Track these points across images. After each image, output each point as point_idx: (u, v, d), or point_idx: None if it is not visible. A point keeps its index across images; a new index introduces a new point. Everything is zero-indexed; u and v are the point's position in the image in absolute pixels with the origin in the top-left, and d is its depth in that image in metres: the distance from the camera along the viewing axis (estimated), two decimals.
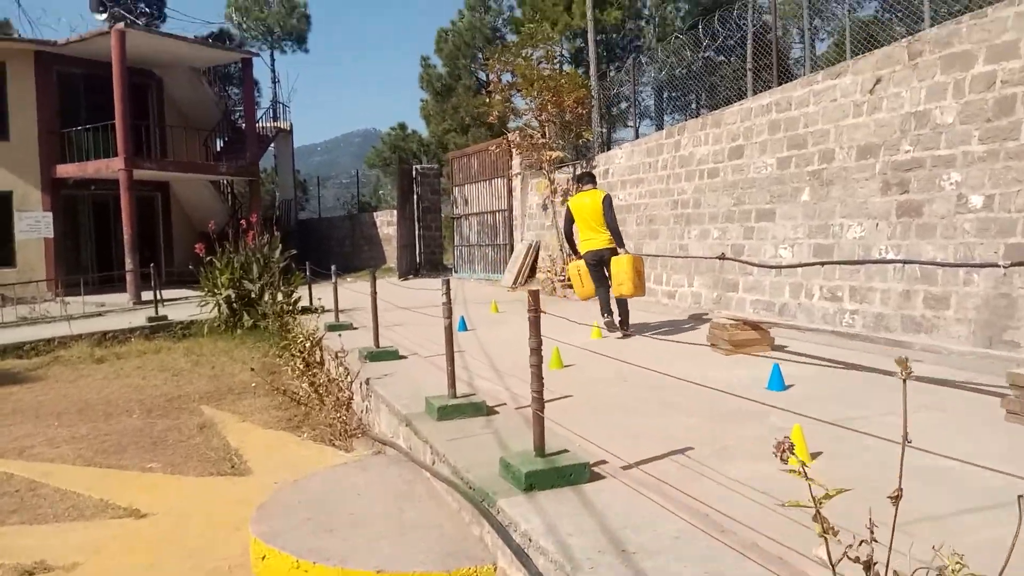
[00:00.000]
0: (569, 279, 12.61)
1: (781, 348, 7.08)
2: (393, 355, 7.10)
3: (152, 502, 4.82)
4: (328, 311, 11.58)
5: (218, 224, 15.15)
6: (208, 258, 11.97)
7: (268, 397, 7.91)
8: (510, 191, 16.13)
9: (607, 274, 8.22)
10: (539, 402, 3.54)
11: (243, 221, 12.11)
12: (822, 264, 7.89)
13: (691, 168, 10.31)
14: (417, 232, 20.65)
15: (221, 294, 11.98)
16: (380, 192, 38.44)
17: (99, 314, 16.43)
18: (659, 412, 4.91)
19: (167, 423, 7.07)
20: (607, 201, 8.26)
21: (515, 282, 14.57)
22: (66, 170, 19.65)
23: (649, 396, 5.36)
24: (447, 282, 4.80)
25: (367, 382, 6.11)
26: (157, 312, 12.93)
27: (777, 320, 8.14)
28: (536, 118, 12.78)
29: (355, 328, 9.75)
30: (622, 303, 8.27)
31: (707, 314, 9.30)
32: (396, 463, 4.70)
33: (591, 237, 8.34)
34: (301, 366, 6.65)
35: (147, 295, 17.41)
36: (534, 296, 3.53)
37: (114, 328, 12.28)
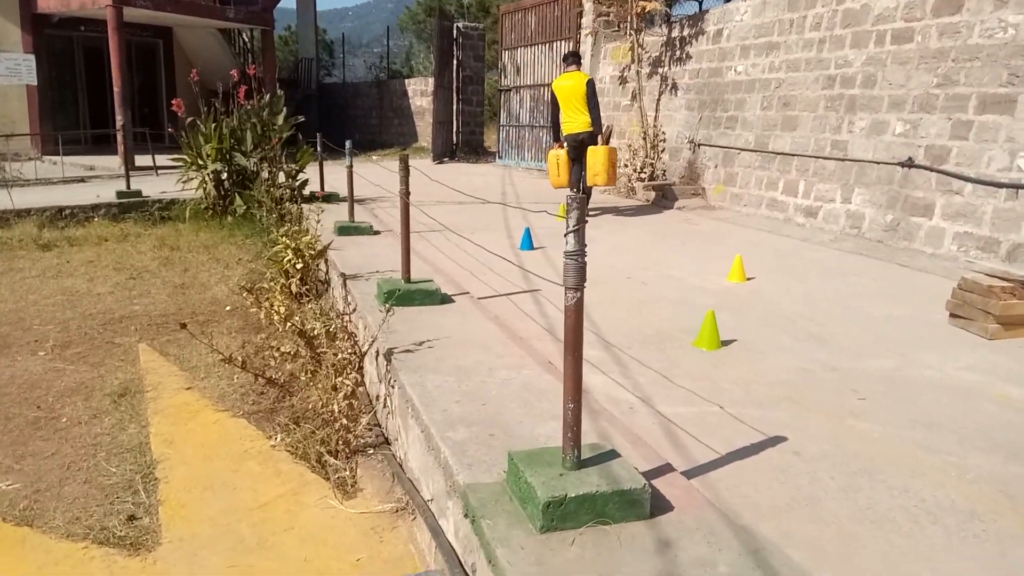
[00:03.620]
0: (648, 177, 9.78)
1: None
2: (432, 296, 4.43)
3: None
4: (343, 200, 8.88)
5: (223, 80, 12.26)
6: (189, 119, 9.17)
7: (241, 334, 5.36)
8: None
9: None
10: None
11: (233, 72, 9.20)
12: None
13: (863, 28, 7.18)
14: (456, 107, 17.55)
15: (207, 168, 9.26)
16: (412, 62, 34.65)
17: (82, 179, 13.95)
18: None
19: (79, 375, 4.55)
20: (591, 85, 8.31)
21: None
22: (47, 3, 16.55)
23: (968, 461, 2.67)
24: (578, 209, 2.04)
25: (389, 358, 3.47)
26: (129, 186, 10.26)
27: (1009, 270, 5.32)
28: None
29: (376, 233, 7.05)
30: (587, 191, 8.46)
31: (879, 242, 6.47)
32: None
33: (572, 119, 8.34)
34: (283, 310, 4.00)
35: (144, 159, 14.84)
36: None
37: (73, 204, 9.67)
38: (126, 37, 16.03)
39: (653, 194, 9.36)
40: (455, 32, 17.35)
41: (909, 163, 6.46)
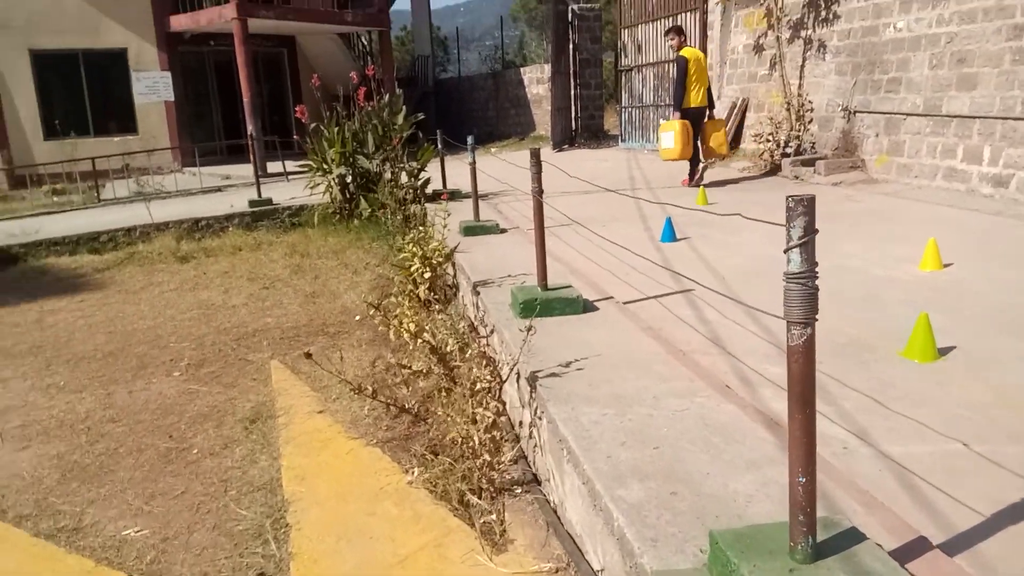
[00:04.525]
0: (795, 151, 8.85)
1: None
2: (574, 304, 3.94)
3: None
4: (466, 196, 8.56)
5: (344, 84, 12.31)
6: (313, 124, 9.12)
7: (371, 346, 5.09)
8: (704, 29, 12.06)
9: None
10: None
11: (353, 75, 9.06)
12: None
13: None
14: (574, 91, 16.95)
15: (332, 173, 9.19)
16: (525, 51, 34.27)
17: (219, 189, 14.48)
18: None
19: (211, 398, 4.40)
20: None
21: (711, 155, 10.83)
22: (179, 22, 17.33)
23: None
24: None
25: (532, 384, 3.02)
26: (260, 194, 10.41)
27: None
28: None
29: (502, 231, 6.66)
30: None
31: None
32: None
33: (700, 92, 8.61)
34: (412, 326, 3.65)
35: (276, 166, 15.29)
36: None
37: (209, 215, 9.88)
38: (252, 48, 16.52)
39: (803, 169, 8.47)
40: (570, 15, 16.74)
41: None
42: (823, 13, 9.02)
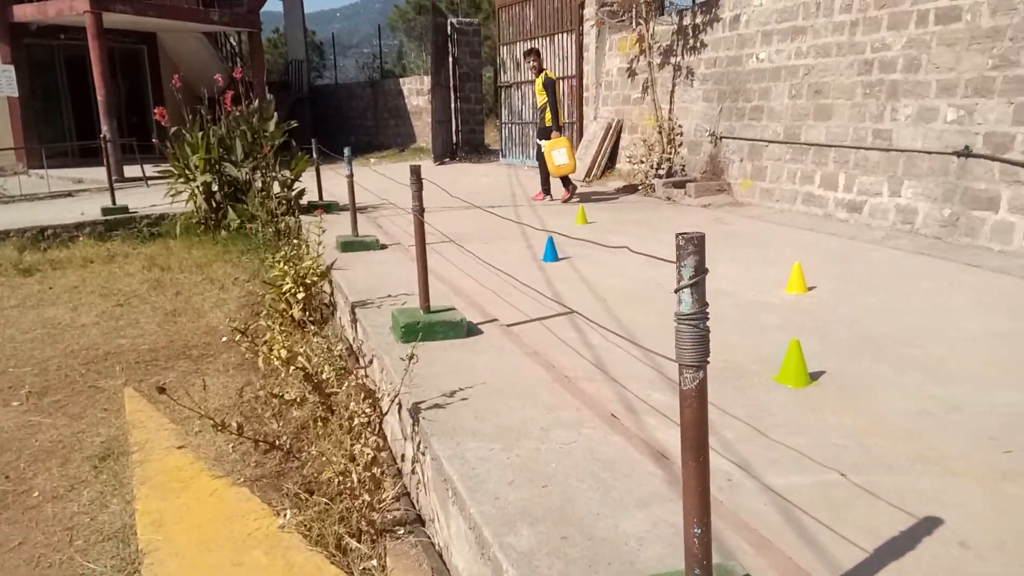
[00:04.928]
0: (667, 173, 9.17)
1: None
2: (458, 328, 3.83)
3: None
4: (343, 209, 8.30)
5: (209, 84, 11.64)
6: (175, 128, 8.55)
7: (239, 371, 4.78)
8: (580, 51, 12.31)
9: None
10: None
11: (218, 77, 8.58)
12: None
13: (901, 8, 6.59)
14: (454, 105, 16.90)
15: (196, 180, 8.65)
16: (404, 61, 33.91)
17: (69, 194, 13.37)
18: None
19: (56, 431, 3.97)
20: None
21: (589, 174, 11.07)
22: (24, 12, 15.92)
23: None
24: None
25: (415, 416, 2.88)
26: (115, 201, 9.65)
27: None
28: None
29: (383, 247, 6.46)
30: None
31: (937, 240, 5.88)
32: None
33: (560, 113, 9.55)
34: (284, 353, 3.41)
35: (135, 170, 14.28)
36: None
37: (56, 223, 9.06)
38: (108, 44, 15.42)
39: (674, 191, 8.77)
40: (449, 28, 16.70)
41: (966, 152, 5.88)
42: (691, 42, 9.41)
